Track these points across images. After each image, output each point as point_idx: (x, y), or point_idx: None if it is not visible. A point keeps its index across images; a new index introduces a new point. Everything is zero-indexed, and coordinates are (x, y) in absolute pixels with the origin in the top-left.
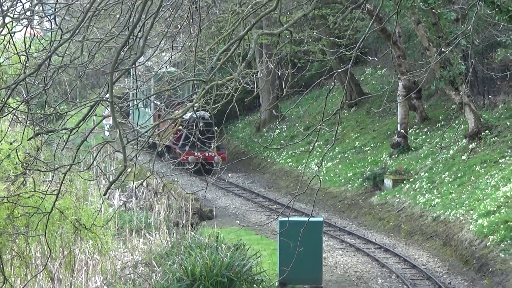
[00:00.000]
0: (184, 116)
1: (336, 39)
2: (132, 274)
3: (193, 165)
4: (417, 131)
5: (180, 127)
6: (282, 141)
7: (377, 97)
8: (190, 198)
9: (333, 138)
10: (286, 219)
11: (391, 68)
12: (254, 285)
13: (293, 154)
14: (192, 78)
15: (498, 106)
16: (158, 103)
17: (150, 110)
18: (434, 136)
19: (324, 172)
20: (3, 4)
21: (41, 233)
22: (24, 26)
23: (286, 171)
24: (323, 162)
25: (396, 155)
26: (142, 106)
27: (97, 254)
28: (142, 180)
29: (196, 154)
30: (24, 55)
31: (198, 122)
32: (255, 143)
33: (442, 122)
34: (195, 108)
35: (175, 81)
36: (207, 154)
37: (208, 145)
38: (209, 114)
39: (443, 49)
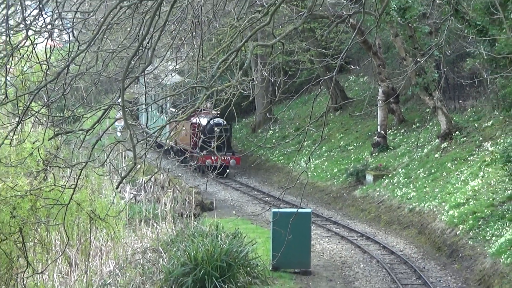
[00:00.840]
0: (202, 123)
1: (323, 50)
2: (141, 259)
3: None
4: (395, 132)
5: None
6: (274, 140)
7: (359, 101)
8: (193, 191)
9: (320, 138)
10: (278, 210)
11: (371, 76)
12: (248, 269)
13: (285, 152)
14: (195, 85)
15: (467, 109)
16: (174, 110)
17: (167, 115)
18: (410, 136)
19: (312, 168)
20: (27, 18)
21: (60, 222)
22: (45, 38)
23: (278, 167)
24: (311, 160)
25: (377, 154)
26: (158, 112)
27: (110, 241)
28: (150, 176)
29: (212, 158)
30: (45, 64)
31: (214, 128)
32: (251, 142)
33: (417, 124)
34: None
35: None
36: (223, 158)
37: (224, 149)
38: (224, 122)
39: (418, 59)
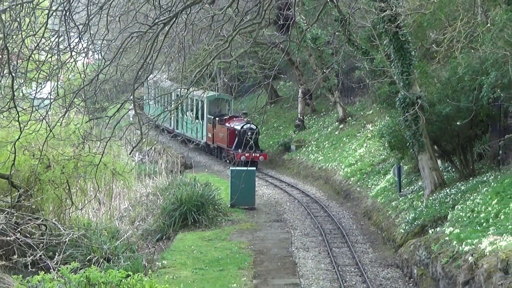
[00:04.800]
0: (237, 127)
1: (263, 65)
2: (146, 200)
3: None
4: (309, 117)
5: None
6: None
7: (287, 98)
8: (179, 156)
9: (261, 121)
10: (234, 168)
11: (294, 81)
12: (215, 206)
13: None
14: (180, 88)
15: (356, 103)
16: (211, 116)
17: (203, 120)
18: (319, 120)
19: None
20: (71, 44)
21: (93, 176)
22: (83, 57)
23: None
24: None
25: (298, 132)
26: (196, 118)
27: (125, 188)
28: (151, 146)
29: (246, 154)
30: (82, 74)
31: (247, 131)
32: None
33: (324, 112)
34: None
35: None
36: (254, 155)
37: (254, 148)
38: (254, 126)
39: (324, 70)
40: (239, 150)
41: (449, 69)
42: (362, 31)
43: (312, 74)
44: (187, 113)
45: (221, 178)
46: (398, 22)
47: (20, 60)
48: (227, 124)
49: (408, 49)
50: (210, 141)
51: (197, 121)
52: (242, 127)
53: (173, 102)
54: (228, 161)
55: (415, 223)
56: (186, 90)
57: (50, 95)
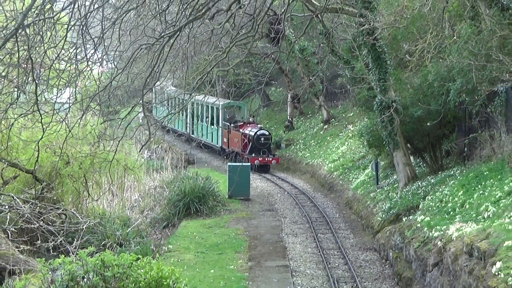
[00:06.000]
0: (251, 133)
1: (256, 72)
2: (153, 192)
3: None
4: (297, 119)
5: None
6: None
7: (278, 102)
8: (183, 153)
9: (255, 122)
10: (232, 163)
11: (284, 87)
12: (214, 197)
13: None
14: (183, 93)
15: (339, 106)
16: (226, 123)
17: (218, 126)
18: (306, 122)
19: None
20: (87, 54)
21: (107, 171)
22: (97, 66)
23: None
24: None
25: (287, 131)
26: (211, 124)
27: (136, 182)
28: (158, 144)
29: (259, 159)
30: (98, 81)
31: (260, 137)
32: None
33: (310, 115)
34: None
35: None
36: (266, 159)
37: (268, 153)
38: (267, 132)
39: (310, 78)
40: (253, 155)
41: (420, 77)
42: (343, 43)
43: (299, 81)
44: (204, 119)
45: (219, 173)
46: (375, 35)
47: (43, 69)
48: (241, 130)
49: (384, 59)
50: (226, 146)
51: (212, 127)
52: (255, 133)
53: (177, 106)
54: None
55: (391, 212)
56: (189, 95)
57: (69, 99)
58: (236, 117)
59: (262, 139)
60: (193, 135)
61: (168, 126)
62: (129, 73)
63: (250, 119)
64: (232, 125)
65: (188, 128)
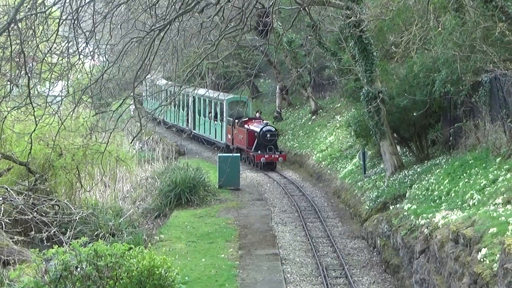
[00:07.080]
0: (256, 129)
1: (245, 64)
2: (145, 183)
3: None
4: (286, 110)
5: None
6: None
7: (266, 93)
8: (173, 144)
9: (244, 114)
10: (222, 154)
11: (273, 79)
12: (205, 187)
13: None
14: (173, 85)
15: (326, 97)
16: (231, 119)
17: (222, 122)
18: (294, 113)
19: None
20: (79, 48)
21: (99, 163)
22: (89, 60)
23: None
24: None
25: (276, 122)
26: (214, 120)
27: (128, 173)
28: (149, 136)
29: (266, 156)
30: (89, 74)
31: (266, 134)
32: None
33: (298, 106)
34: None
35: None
36: (273, 156)
37: (274, 149)
38: (274, 129)
39: (298, 69)
40: (259, 152)
41: (406, 67)
42: (331, 35)
43: (288, 73)
44: (207, 114)
45: (210, 163)
46: (362, 27)
47: (35, 63)
48: (246, 126)
49: (370, 50)
50: (230, 143)
51: (216, 122)
52: (261, 129)
53: (168, 98)
54: (249, 162)
55: (378, 200)
56: (179, 87)
57: (62, 92)
58: (244, 113)
59: (268, 135)
60: (195, 131)
61: (169, 122)
62: (120, 66)
63: (257, 115)
64: (236, 120)
65: (190, 123)
